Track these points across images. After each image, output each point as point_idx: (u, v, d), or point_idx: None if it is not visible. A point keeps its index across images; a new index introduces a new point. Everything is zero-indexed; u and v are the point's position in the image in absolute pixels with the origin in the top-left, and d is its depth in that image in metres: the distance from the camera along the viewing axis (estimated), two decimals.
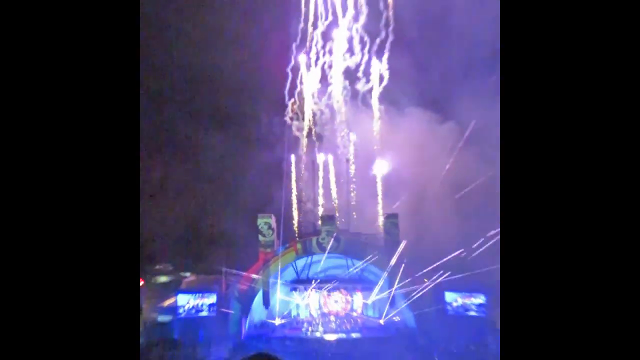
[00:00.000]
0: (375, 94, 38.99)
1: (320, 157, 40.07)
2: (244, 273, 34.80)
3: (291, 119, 39.22)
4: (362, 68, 38.78)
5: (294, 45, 38.68)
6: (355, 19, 38.64)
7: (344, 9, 38.63)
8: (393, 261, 33.44)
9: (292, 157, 39.66)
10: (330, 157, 39.99)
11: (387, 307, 34.64)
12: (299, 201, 39.71)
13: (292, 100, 39.06)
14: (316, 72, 39.25)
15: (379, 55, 38.33)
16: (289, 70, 38.86)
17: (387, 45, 38.10)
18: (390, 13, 37.70)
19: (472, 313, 33.62)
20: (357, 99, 39.26)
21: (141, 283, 39.42)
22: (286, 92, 39.03)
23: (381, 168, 38.36)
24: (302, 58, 38.91)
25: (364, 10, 38.31)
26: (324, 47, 38.85)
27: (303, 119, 39.66)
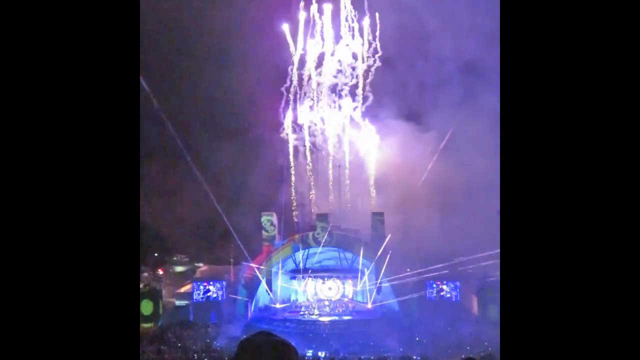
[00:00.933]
0: (362, 109, 39.30)
1: (315, 163, 40.22)
2: (250, 263, 34.84)
3: (287, 134, 39.34)
4: (348, 87, 39.16)
5: (290, 68, 38.82)
6: (347, 45, 38.77)
7: (337, 37, 38.77)
8: (379, 253, 33.50)
9: (292, 163, 39.84)
10: (328, 163, 40.05)
11: (374, 293, 34.71)
12: (298, 201, 39.79)
13: (289, 116, 39.26)
14: (310, 91, 39.40)
15: (367, 77, 38.61)
16: (283, 89, 39.06)
17: (373, 70, 38.46)
18: (378, 44, 37.99)
19: (448, 296, 33.77)
20: (350, 114, 39.34)
21: (161, 272, 39.40)
22: (281, 109, 39.31)
23: (370, 172, 38.51)
24: (296, 77, 39.04)
25: (357, 39, 38.49)
26: (317, 68, 38.94)
27: (301, 131, 39.83)
